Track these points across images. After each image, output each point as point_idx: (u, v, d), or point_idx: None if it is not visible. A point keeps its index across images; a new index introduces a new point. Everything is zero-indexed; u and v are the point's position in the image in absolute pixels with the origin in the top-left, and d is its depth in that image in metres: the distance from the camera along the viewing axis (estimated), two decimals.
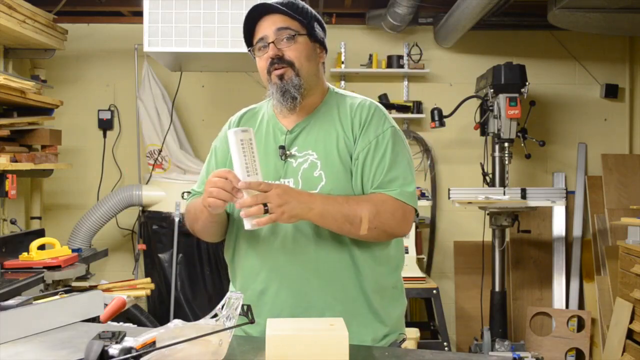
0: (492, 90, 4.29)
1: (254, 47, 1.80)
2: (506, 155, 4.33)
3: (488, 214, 4.43)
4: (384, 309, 1.80)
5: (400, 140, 1.80)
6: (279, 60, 1.75)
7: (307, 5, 1.83)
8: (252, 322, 1.47)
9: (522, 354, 4.14)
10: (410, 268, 4.28)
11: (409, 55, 4.86)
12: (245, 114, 1.93)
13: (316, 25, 1.81)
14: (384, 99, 4.82)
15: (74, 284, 3.08)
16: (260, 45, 1.77)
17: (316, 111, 1.82)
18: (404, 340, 1.87)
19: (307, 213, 1.64)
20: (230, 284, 1.91)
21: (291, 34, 1.75)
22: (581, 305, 4.81)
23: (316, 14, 1.84)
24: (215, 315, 1.44)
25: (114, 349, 1.23)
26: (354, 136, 1.77)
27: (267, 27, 1.76)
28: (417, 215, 1.81)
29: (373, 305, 1.78)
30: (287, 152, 1.77)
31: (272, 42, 1.74)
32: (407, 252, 4.31)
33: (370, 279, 1.77)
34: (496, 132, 4.29)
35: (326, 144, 1.76)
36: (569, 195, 4.79)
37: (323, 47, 1.84)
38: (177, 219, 4.30)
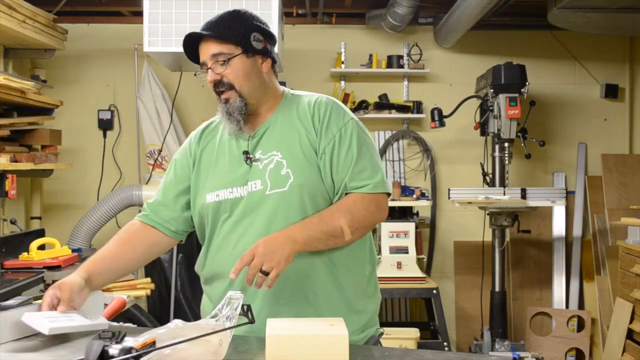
0: (492, 90, 4.29)
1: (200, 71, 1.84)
2: (506, 155, 4.33)
3: (488, 214, 4.43)
4: (360, 302, 1.84)
5: (361, 130, 1.84)
6: (219, 85, 1.80)
7: (245, 16, 1.83)
8: (252, 322, 1.47)
9: (522, 354, 4.14)
10: (410, 268, 4.28)
11: (409, 55, 4.86)
12: (207, 127, 1.98)
13: (254, 36, 1.81)
14: (384, 99, 4.82)
15: None
16: (203, 70, 1.82)
17: (275, 114, 1.86)
18: (381, 334, 1.90)
19: (294, 246, 1.67)
20: (205, 289, 1.92)
21: (224, 58, 1.78)
22: (581, 305, 4.81)
23: (256, 21, 1.84)
24: (215, 315, 1.44)
25: (114, 349, 1.23)
26: (315, 132, 1.80)
27: (203, 54, 1.81)
28: (389, 195, 1.85)
29: (349, 299, 1.81)
30: (251, 157, 1.81)
31: (210, 67, 1.79)
32: (407, 252, 4.31)
33: (345, 272, 1.81)
34: (496, 132, 4.29)
35: (289, 143, 1.80)
36: (569, 195, 4.79)
37: (266, 55, 1.85)
38: None
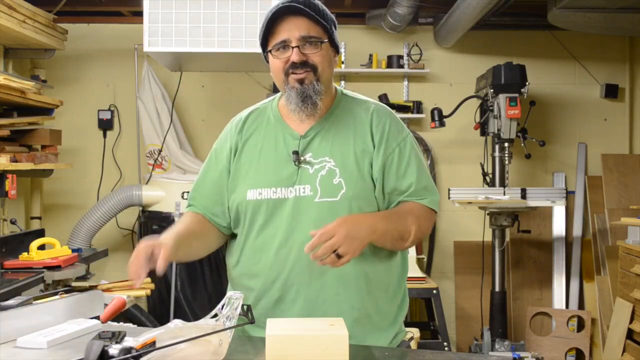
0: (492, 90, 4.29)
1: (271, 47, 1.74)
2: (506, 155, 4.33)
3: (488, 214, 4.43)
4: (394, 311, 1.82)
5: (417, 145, 1.84)
6: (302, 65, 1.71)
7: (325, 8, 1.80)
8: (252, 322, 1.47)
9: (522, 354, 4.14)
10: (410, 268, 4.20)
11: (409, 55, 4.86)
12: (250, 115, 1.87)
13: (334, 28, 1.79)
14: (384, 99, 4.82)
15: (74, 284, 3.07)
16: (280, 46, 1.72)
17: (328, 115, 1.80)
18: (412, 338, 1.90)
19: (372, 237, 1.64)
20: (235, 282, 1.86)
21: (317, 40, 1.73)
22: (581, 305, 4.81)
23: (332, 15, 1.82)
24: (215, 315, 1.44)
25: (114, 349, 1.23)
26: (373, 143, 1.76)
27: (291, 31, 1.71)
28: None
29: (385, 308, 1.79)
30: (301, 158, 1.75)
31: (297, 46, 1.70)
32: (407, 252, 4.30)
33: (382, 284, 1.78)
34: (496, 132, 4.29)
35: (343, 151, 1.75)
36: (569, 195, 4.79)
37: (337, 50, 1.83)
38: (177, 219, 4.30)
